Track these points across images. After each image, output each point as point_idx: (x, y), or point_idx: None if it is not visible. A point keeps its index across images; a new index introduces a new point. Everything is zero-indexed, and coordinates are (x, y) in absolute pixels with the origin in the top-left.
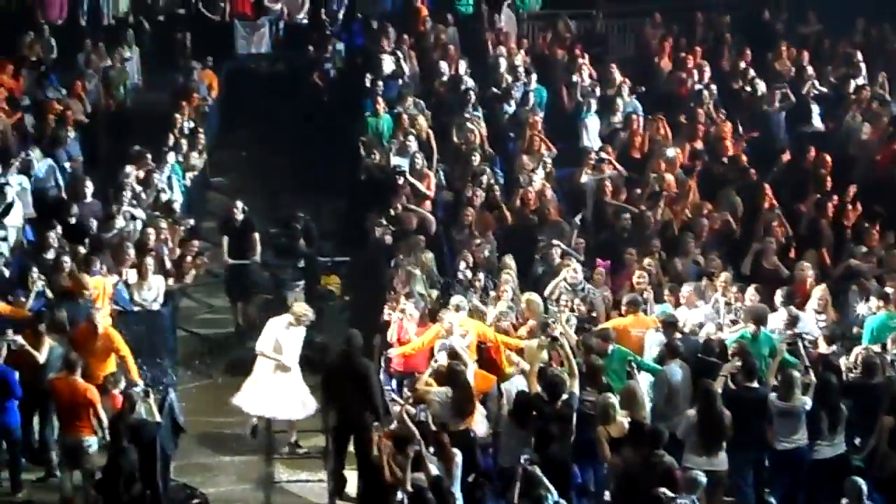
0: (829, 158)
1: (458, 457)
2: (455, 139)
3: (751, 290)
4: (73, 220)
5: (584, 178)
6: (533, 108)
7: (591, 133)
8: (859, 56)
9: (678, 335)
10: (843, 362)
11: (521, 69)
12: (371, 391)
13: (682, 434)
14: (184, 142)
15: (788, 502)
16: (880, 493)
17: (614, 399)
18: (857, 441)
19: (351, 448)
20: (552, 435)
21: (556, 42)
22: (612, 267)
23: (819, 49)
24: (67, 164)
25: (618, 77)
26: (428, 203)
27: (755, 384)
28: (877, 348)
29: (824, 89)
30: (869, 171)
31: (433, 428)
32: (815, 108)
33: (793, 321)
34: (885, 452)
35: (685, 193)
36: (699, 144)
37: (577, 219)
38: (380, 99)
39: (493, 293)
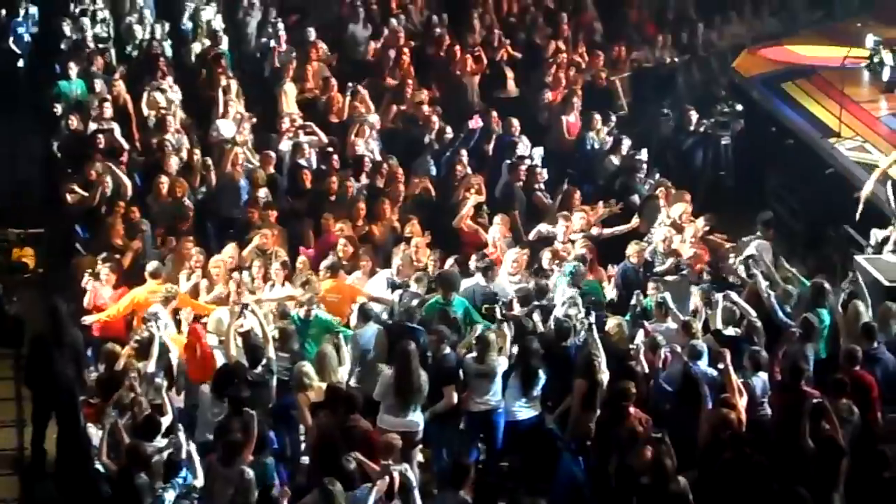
0: (516, 123)
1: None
2: (145, 107)
3: (450, 261)
4: None
5: (283, 145)
6: (226, 71)
7: (290, 99)
8: (564, 19)
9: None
10: (540, 325)
11: (220, 33)
12: (80, 361)
13: (378, 394)
14: None
15: (484, 464)
16: (573, 455)
17: (308, 366)
18: (550, 403)
19: None
20: (244, 400)
21: (250, 6)
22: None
23: (511, 12)
24: None
25: (317, 42)
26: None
27: (447, 350)
28: (573, 311)
29: (518, 54)
30: (559, 134)
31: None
32: (510, 73)
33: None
34: (577, 415)
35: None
36: (399, 109)
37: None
38: (71, 63)
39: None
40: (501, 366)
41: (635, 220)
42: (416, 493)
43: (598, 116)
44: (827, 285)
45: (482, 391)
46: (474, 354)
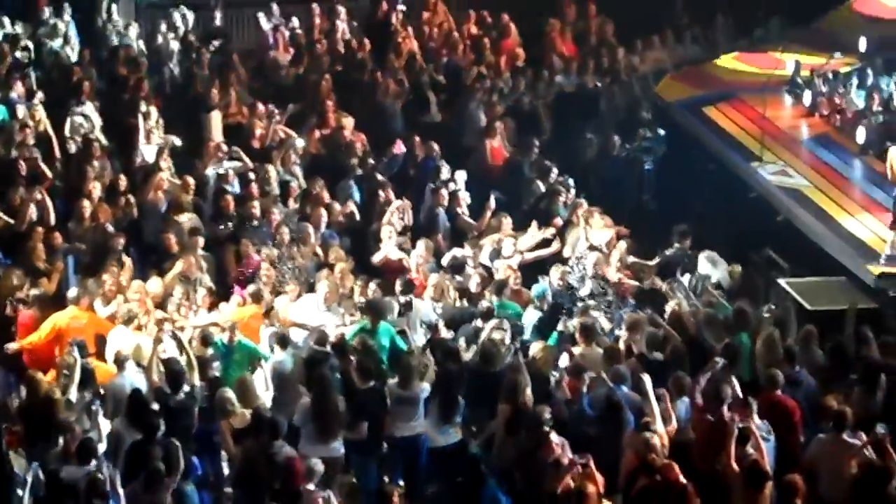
0: (436, 146)
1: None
2: (67, 132)
3: (373, 286)
4: None
5: (208, 170)
6: (147, 96)
7: (214, 125)
8: (487, 44)
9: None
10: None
11: (142, 59)
12: None
13: (297, 421)
14: None
15: (408, 490)
16: (499, 481)
17: (231, 393)
18: (474, 429)
19: None
20: (157, 427)
21: (172, 33)
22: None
23: (433, 38)
24: None
25: (238, 68)
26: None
27: (371, 383)
28: (497, 336)
29: (441, 78)
30: (483, 159)
31: None
32: (433, 98)
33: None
34: (502, 440)
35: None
36: (322, 134)
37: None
38: None
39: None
40: (425, 392)
41: (556, 245)
42: None
43: (537, 145)
44: (748, 309)
45: (406, 417)
46: (397, 380)
